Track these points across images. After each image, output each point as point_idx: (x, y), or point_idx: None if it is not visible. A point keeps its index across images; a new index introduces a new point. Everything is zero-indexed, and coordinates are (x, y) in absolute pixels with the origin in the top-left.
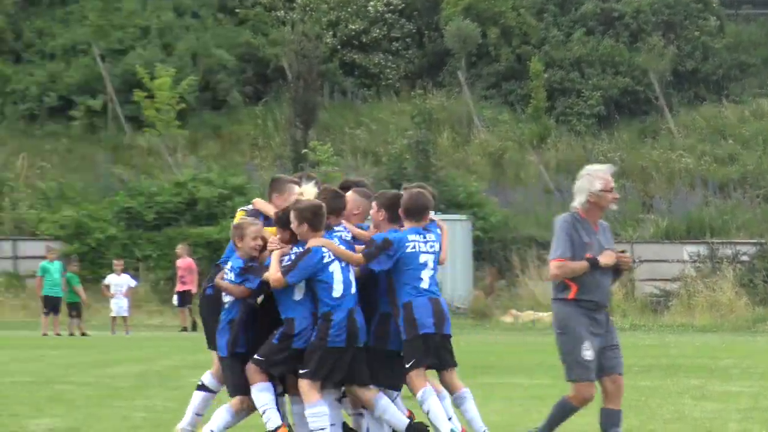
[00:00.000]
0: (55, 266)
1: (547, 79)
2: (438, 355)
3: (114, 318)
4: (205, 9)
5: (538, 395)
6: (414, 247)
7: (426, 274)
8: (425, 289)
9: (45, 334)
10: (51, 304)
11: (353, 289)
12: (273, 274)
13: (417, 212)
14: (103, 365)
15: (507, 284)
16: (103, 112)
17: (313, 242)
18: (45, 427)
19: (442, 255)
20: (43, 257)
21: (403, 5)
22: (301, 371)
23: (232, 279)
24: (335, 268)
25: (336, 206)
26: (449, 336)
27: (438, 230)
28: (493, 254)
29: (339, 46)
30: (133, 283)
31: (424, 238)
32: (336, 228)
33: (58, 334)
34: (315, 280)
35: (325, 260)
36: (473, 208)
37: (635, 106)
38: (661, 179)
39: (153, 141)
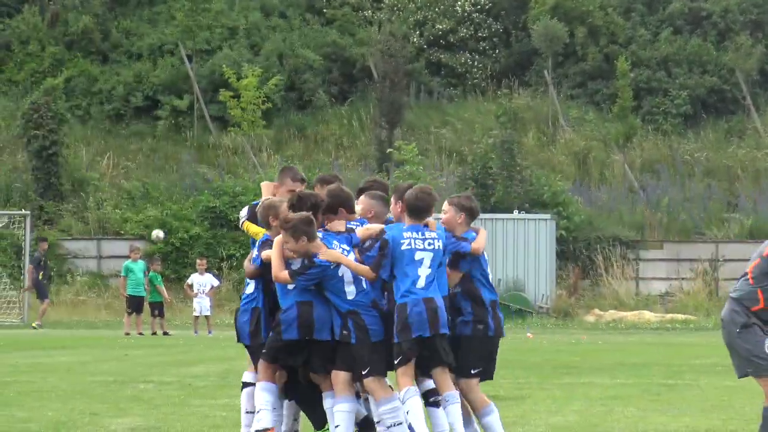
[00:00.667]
0: (139, 266)
1: (633, 79)
2: (430, 356)
3: (196, 317)
4: (292, 9)
5: (620, 395)
6: (410, 244)
7: (423, 272)
8: (420, 289)
9: (127, 334)
10: (134, 304)
11: (365, 284)
12: (279, 271)
13: (418, 211)
14: (184, 365)
15: (590, 284)
16: (189, 112)
17: (322, 255)
18: (126, 427)
19: (476, 246)
20: (126, 257)
21: (491, 5)
22: (362, 372)
23: (254, 258)
24: (345, 271)
25: (346, 203)
26: (444, 335)
27: (438, 230)
28: (577, 253)
29: (426, 46)
30: (216, 282)
31: (423, 235)
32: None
33: (141, 334)
34: (325, 285)
35: (332, 267)
36: (558, 207)
37: (722, 105)
38: (747, 178)
39: (238, 141)
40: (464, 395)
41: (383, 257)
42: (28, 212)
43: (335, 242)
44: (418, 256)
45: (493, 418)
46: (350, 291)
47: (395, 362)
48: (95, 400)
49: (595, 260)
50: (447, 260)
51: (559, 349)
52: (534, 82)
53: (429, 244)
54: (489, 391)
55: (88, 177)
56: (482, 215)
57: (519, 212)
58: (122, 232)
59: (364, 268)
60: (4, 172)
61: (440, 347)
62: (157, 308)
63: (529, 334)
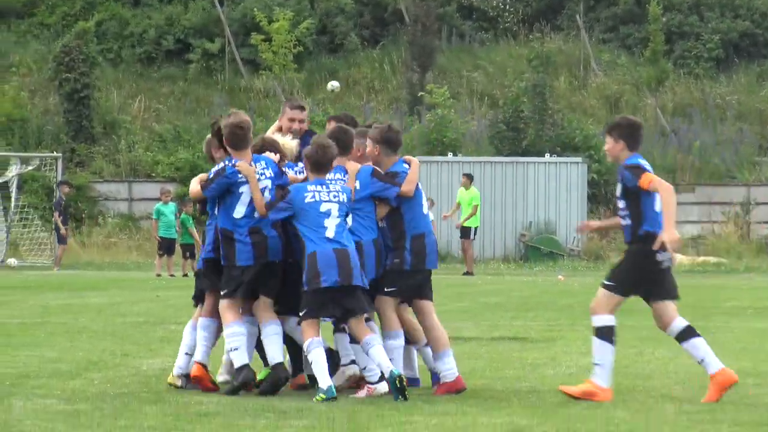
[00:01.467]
0: (170, 208)
1: (665, 23)
2: (342, 306)
3: None
4: None
5: (650, 337)
6: (313, 197)
7: (331, 223)
8: (331, 239)
9: (158, 275)
10: (165, 246)
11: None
12: (194, 186)
13: (319, 166)
14: None
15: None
16: (220, 55)
17: (237, 165)
18: (156, 367)
19: (405, 189)
20: (157, 199)
21: None
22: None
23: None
24: (245, 190)
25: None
26: (357, 286)
27: (346, 178)
28: (609, 197)
29: None
30: None
31: (327, 188)
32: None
33: (172, 275)
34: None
35: (240, 180)
36: (589, 150)
37: (754, 49)
38: None
39: (269, 84)
40: (378, 311)
41: (280, 200)
42: (60, 155)
43: (263, 163)
44: (324, 207)
45: (395, 344)
46: (239, 211)
47: (300, 314)
48: (126, 340)
49: None
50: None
51: (590, 291)
52: (566, 26)
53: (334, 196)
54: (520, 333)
55: (120, 120)
56: (514, 158)
57: (550, 156)
58: (153, 174)
59: (260, 199)
60: (36, 114)
61: (353, 298)
62: (189, 250)
63: (560, 277)
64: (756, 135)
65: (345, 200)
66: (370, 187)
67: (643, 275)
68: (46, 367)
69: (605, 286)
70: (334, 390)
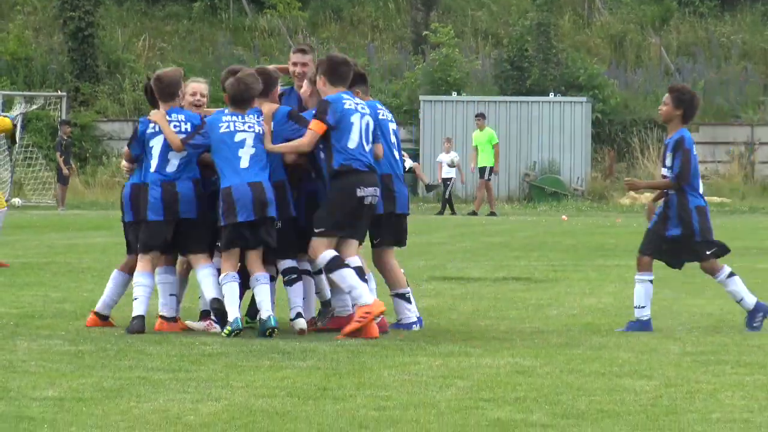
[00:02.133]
0: None
1: None
2: (255, 239)
3: None
4: None
5: (655, 277)
6: (228, 127)
7: (245, 153)
8: (244, 170)
9: None
10: None
11: (173, 166)
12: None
13: (240, 101)
14: None
15: (625, 166)
16: None
17: (150, 115)
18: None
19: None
20: None
21: None
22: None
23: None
24: (156, 143)
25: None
26: (273, 218)
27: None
28: (613, 136)
29: None
30: None
31: (243, 118)
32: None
33: None
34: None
35: (149, 132)
36: (593, 90)
37: None
38: None
39: (274, 23)
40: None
41: (196, 132)
42: (64, 93)
43: (182, 116)
44: (238, 137)
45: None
46: (152, 165)
47: (221, 245)
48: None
49: (630, 143)
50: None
51: (593, 231)
52: None
53: (249, 127)
54: (523, 274)
55: (124, 59)
56: (518, 98)
57: (554, 95)
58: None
59: (173, 136)
60: (40, 53)
61: (263, 230)
62: None
63: (563, 217)
64: (761, 74)
65: (260, 132)
66: (285, 130)
67: None
68: (51, 308)
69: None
70: (239, 322)
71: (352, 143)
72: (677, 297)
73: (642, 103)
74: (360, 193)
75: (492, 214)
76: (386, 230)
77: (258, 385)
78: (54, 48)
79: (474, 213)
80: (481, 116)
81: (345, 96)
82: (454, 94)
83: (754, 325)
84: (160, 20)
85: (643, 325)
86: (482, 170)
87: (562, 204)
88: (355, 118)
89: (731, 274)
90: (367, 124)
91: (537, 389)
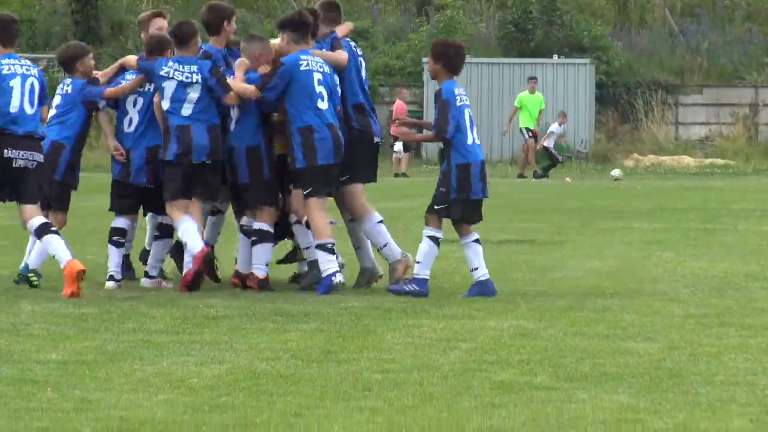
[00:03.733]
0: None
1: None
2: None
3: None
4: None
5: (659, 239)
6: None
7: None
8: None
9: None
10: None
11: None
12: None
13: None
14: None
15: (630, 128)
16: None
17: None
18: (169, 270)
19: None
20: None
21: None
22: None
23: None
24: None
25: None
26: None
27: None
28: (617, 98)
29: None
30: None
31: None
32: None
33: None
34: None
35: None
36: (597, 51)
37: None
38: None
39: None
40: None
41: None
42: None
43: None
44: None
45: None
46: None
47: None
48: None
49: (634, 105)
50: None
51: (597, 194)
52: None
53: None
54: (527, 236)
55: (128, 20)
56: (521, 60)
57: (558, 57)
58: None
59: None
60: (43, 16)
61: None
62: None
63: (567, 179)
64: (765, 35)
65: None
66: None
67: None
68: (54, 270)
69: None
70: None
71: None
72: (681, 259)
73: (646, 65)
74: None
75: (521, 176)
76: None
77: (262, 347)
78: (57, 10)
79: (522, 176)
80: (533, 79)
81: None
82: None
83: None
84: None
85: (420, 285)
86: (528, 131)
87: (566, 167)
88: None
89: (476, 241)
90: (32, 85)
91: (541, 352)
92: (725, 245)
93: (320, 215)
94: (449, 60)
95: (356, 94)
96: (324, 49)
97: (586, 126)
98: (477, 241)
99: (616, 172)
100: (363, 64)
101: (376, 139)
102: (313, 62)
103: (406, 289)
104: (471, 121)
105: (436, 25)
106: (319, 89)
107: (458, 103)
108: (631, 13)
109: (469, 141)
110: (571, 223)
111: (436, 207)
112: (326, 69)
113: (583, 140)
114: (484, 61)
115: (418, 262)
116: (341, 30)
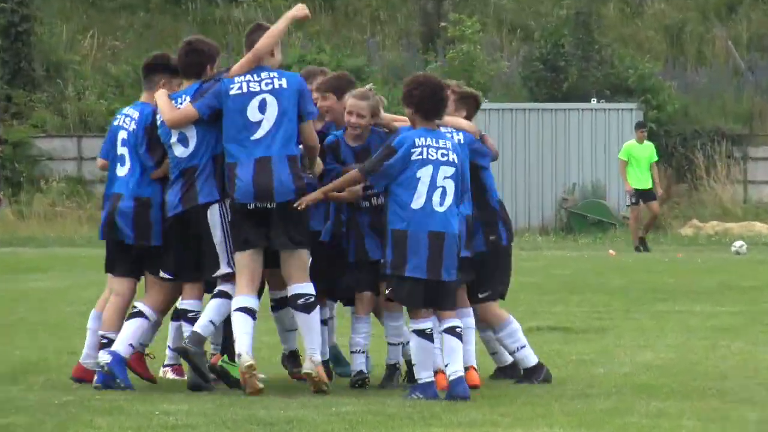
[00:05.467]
0: None
1: None
2: None
3: None
4: None
5: (725, 326)
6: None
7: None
8: None
9: None
10: None
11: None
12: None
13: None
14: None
15: (687, 188)
16: None
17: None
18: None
19: None
20: None
21: None
22: None
23: None
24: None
25: None
26: None
27: None
28: (671, 151)
29: None
30: None
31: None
32: None
33: None
34: None
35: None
36: (645, 94)
37: None
38: None
39: (251, 14)
40: None
41: None
42: None
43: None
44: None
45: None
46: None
47: None
48: (73, 335)
49: (693, 159)
50: None
51: (648, 269)
52: None
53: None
54: (561, 322)
55: (67, 60)
56: (552, 105)
57: (598, 101)
58: (108, 127)
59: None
60: None
61: None
62: None
63: (611, 251)
64: None
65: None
66: None
67: None
68: None
69: None
70: None
71: None
72: (753, 350)
73: (706, 109)
74: None
75: (641, 248)
76: None
77: None
78: None
79: (640, 248)
80: (642, 127)
81: None
82: None
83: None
84: (111, 12)
85: (425, 391)
86: (641, 194)
87: (609, 235)
88: None
89: (452, 331)
90: None
91: None
92: None
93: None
94: (420, 103)
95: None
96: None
97: None
98: (452, 331)
99: (740, 245)
100: None
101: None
102: None
103: (412, 397)
104: (434, 183)
105: (450, 62)
106: None
107: (415, 157)
108: (686, 46)
109: (416, 204)
110: (616, 306)
111: (386, 292)
112: None
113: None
114: (507, 106)
115: (413, 365)
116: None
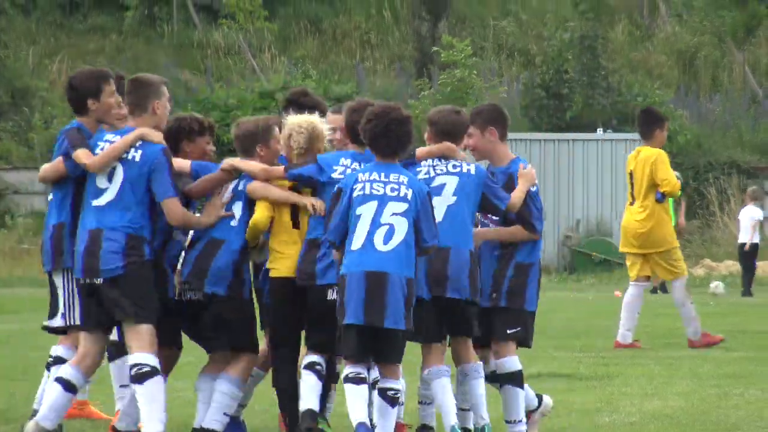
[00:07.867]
0: None
1: None
2: None
3: None
4: None
5: (739, 373)
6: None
7: None
8: None
9: None
10: None
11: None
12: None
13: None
14: None
15: (700, 225)
16: (166, 0)
17: None
18: (84, 417)
19: None
20: None
21: None
22: None
23: None
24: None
25: None
26: None
27: None
28: (683, 185)
29: None
30: None
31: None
32: None
33: None
34: None
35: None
36: None
37: None
38: None
39: (231, 37)
40: None
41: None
42: None
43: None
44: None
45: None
46: None
47: None
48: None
49: (706, 194)
50: None
51: (657, 312)
52: None
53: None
54: (564, 369)
55: (34, 86)
56: (555, 135)
57: (604, 131)
58: None
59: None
60: None
61: None
62: None
63: (617, 293)
64: None
65: None
66: None
67: None
68: None
69: None
70: None
71: None
72: (766, 398)
73: (720, 140)
74: None
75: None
76: None
77: None
78: None
79: (658, 290)
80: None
81: None
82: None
83: None
84: (80, 35)
85: None
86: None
87: (615, 275)
88: None
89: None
90: None
91: None
92: None
93: None
94: (363, 132)
95: None
96: None
97: None
98: (383, 393)
99: (716, 285)
100: None
101: None
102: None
103: None
104: (376, 221)
105: (442, 89)
106: None
107: (356, 194)
108: (699, 72)
109: (356, 245)
110: (622, 352)
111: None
112: None
113: None
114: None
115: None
116: None
